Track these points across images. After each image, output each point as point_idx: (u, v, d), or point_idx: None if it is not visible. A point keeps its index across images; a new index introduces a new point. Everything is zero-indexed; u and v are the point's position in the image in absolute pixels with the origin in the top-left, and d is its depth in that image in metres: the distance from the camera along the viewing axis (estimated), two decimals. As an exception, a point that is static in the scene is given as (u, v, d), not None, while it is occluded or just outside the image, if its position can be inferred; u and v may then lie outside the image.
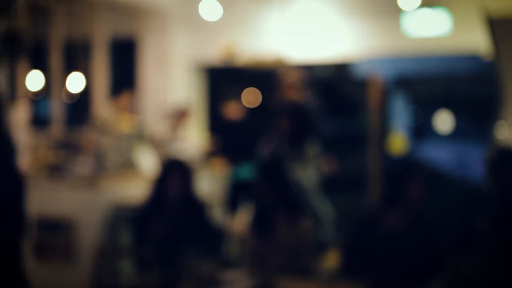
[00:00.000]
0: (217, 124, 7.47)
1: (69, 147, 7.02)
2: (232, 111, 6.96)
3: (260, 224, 4.12)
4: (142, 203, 4.58)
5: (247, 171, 6.45)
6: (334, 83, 10.96)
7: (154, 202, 4.40)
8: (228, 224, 6.00)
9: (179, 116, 7.44)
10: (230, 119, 6.96)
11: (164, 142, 7.33)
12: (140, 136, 6.81)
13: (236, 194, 6.55)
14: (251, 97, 8.17)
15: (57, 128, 7.86)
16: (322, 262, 4.71)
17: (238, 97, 6.98)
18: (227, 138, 7.01)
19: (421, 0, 6.50)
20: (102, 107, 6.83)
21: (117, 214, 5.66)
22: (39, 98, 8.39)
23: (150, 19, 8.11)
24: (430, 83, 15.53)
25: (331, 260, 4.89)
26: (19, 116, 7.11)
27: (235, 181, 6.70)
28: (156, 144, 7.24)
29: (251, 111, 6.95)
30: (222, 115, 7.04)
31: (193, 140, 8.10)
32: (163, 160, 5.15)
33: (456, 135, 16.22)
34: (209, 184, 6.96)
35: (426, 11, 7.27)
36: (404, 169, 4.05)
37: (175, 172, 4.43)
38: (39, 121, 8.27)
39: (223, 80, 8.46)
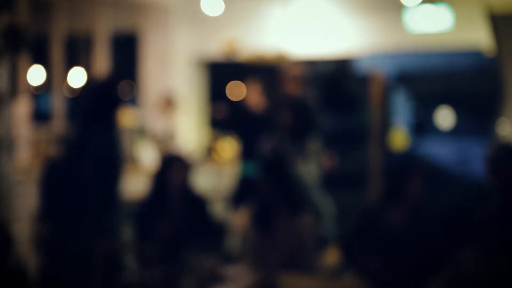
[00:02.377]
0: (233, 116, 7.21)
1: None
2: (254, 100, 6.74)
3: (262, 220, 4.13)
4: (142, 198, 4.59)
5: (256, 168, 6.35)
6: (335, 79, 10.95)
7: (154, 198, 4.40)
8: (230, 219, 6.00)
9: (165, 104, 7.55)
10: (251, 110, 6.74)
11: (164, 136, 7.34)
12: (141, 131, 6.82)
13: (244, 189, 6.47)
14: (236, 90, 8.14)
15: (58, 123, 7.86)
16: (323, 258, 4.71)
17: (263, 87, 6.75)
18: (244, 130, 6.78)
19: (423, -4, 6.49)
20: None
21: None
22: (40, 93, 8.39)
23: (151, 15, 8.10)
24: (432, 79, 15.50)
25: (332, 256, 4.89)
26: (20, 111, 7.11)
27: (244, 176, 6.60)
28: (157, 139, 7.25)
29: (270, 104, 6.74)
30: (244, 106, 6.85)
31: (193, 135, 8.11)
32: (163, 155, 5.15)
33: (457, 131, 16.20)
34: (210, 179, 6.95)
35: (428, 7, 7.26)
36: (405, 166, 4.05)
37: (174, 167, 4.43)
38: (40, 116, 8.27)
39: (224, 75, 8.45)
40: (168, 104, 7.62)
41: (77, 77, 7.45)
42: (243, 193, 6.39)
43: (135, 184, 5.82)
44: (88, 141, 4.36)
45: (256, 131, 6.36)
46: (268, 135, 5.96)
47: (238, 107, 7.04)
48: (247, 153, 6.56)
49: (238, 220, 5.16)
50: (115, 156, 4.45)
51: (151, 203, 4.40)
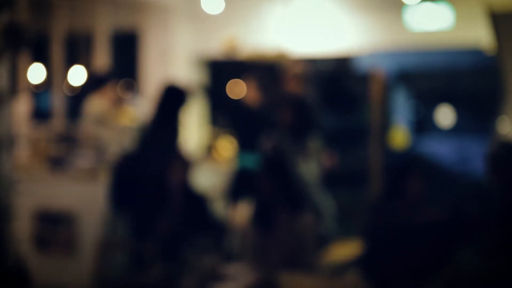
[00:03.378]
0: (233, 109, 7.27)
1: (70, 140, 7.02)
2: (250, 97, 6.77)
3: (261, 218, 4.12)
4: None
5: (254, 160, 6.37)
6: (335, 77, 10.94)
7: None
8: (229, 216, 6.00)
9: None
10: (247, 106, 6.77)
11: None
12: (141, 129, 6.81)
13: (240, 182, 6.48)
14: (236, 89, 8.13)
15: (58, 121, 7.86)
16: (323, 257, 4.71)
17: (259, 82, 6.79)
18: (241, 126, 6.82)
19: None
20: (91, 100, 6.82)
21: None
22: (40, 91, 8.39)
23: (152, 13, 8.09)
24: (432, 78, 15.50)
25: (332, 254, 4.89)
26: (20, 109, 7.11)
27: (241, 168, 6.60)
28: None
29: (267, 100, 6.78)
30: (242, 102, 6.88)
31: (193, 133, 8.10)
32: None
33: (457, 129, 16.19)
34: (210, 177, 6.95)
35: (428, 5, 7.25)
36: (406, 164, 4.05)
37: (175, 166, 4.43)
38: (40, 114, 8.28)
39: (225, 73, 8.44)
40: None
41: (77, 76, 7.45)
42: (240, 184, 6.41)
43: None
44: (157, 136, 4.92)
45: (253, 126, 6.41)
46: (268, 133, 5.96)
47: (236, 103, 7.05)
48: (244, 147, 6.59)
49: (237, 217, 5.17)
50: (176, 150, 4.90)
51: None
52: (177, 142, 5.05)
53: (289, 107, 5.84)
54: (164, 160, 4.66)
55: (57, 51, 7.78)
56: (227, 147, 7.49)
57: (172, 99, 5.15)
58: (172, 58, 8.14)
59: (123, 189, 4.86)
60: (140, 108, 7.75)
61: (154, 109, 5.20)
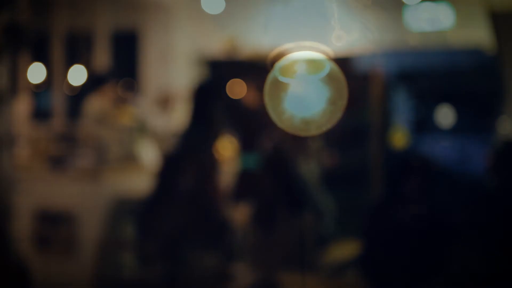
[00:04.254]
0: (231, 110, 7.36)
1: (71, 140, 7.02)
2: (251, 95, 6.84)
3: (262, 218, 4.12)
4: (147, 195, 4.60)
5: (255, 160, 6.40)
6: (335, 77, 10.94)
7: (160, 195, 4.41)
8: (232, 216, 6.00)
9: (163, 101, 7.58)
10: (247, 105, 6.83)
11: (164, 134, 7.34)
12: (142, 129, 6.82)
13: (242, 183, 6.49)
14: (236, 88, 8.14)
15: (58, 121, 7.86)
16: (323, 256, 4.71)
17: (257, 85, 6.86)
18: (240, 122, 6.89)
19: (423, -6, 6.50)
20: (91, 99, 6.83)
21: (119, 207, 5.67)
22: (40, 91, 8.39)
23: (152, 12, 8.09)
24: (432, 77, 15.50)
25: (332, 254, 4.89)
26: (21, 109, 7.11)
27: (243, 168, 6.62)
28: (158, 137, 7.25)
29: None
30: (242, 103, 6.95)
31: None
32: (165, 153, 5.18)
33: (457, 129, 16.18)
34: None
35: (429, 5, 7.25)
36: (406, 164, 4.05)
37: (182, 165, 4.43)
38: (40, 114, 8.28)
39: (225, 73, 8.44)
40: (166, 101, 7.64)
41: (77, 75, 7.44)
42: (242, 185, 6.41)
43: (136, 182, 5.83)
44: (198, 138, 5.05)
45: (253, 126, 6.43)
46: (268, 133, 5.95)
47: (236, 103, 7.08)
48: (245, 147, 6.61)
49: (239, 217, 5.17)
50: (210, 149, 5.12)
51: (155, 202, 4.41)
52: (215, 141, 5.25)
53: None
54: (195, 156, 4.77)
55: (57, 51, 7.78)
56: (228, 147, 7.50)
57: (206, 97, 5.25)
58: (172, 58, 8.14)
59: (166, 192, 4.90)
60: (140, 108, 7.75)
61: (190, 111, 5.25)
